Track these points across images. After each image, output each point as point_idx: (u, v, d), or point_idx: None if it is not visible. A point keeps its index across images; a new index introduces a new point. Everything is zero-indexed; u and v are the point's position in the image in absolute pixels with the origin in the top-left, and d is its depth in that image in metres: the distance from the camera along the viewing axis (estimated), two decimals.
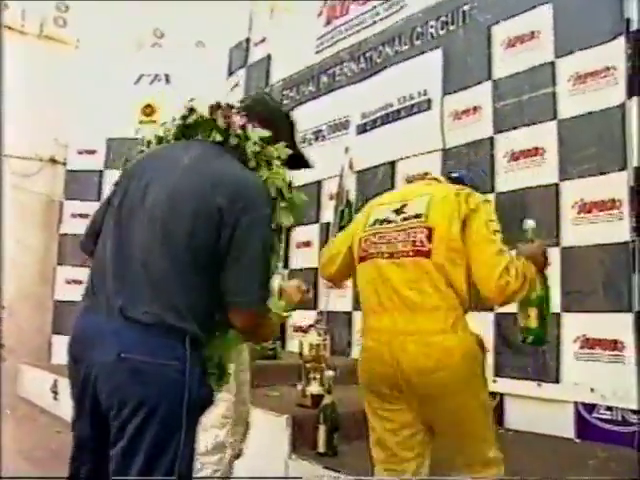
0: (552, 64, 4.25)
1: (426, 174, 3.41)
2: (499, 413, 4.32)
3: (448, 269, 2.02)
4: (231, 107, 1.88)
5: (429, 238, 2.06)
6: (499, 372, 4.36)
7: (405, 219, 2.14)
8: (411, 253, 2.07)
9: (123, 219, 1.72)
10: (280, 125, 1.95)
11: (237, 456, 3.01)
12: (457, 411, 2.05)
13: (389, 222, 2.18)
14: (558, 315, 4.05)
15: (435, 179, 2.42)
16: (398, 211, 2.17)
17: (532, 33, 4.38)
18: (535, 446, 3.81)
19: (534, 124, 4.32)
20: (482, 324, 4.35)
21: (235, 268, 1.64)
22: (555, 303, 4.07)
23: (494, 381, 4.34)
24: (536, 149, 4.29)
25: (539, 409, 4.15)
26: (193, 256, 1.63)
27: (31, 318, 7.70)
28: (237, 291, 1.65)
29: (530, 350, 4.19)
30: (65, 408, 5.74)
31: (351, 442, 3.46)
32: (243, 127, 1.81)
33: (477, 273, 2.01)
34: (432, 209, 2.11)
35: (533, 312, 2.22)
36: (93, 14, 8.17)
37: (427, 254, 2.05)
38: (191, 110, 1.87)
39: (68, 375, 1.80)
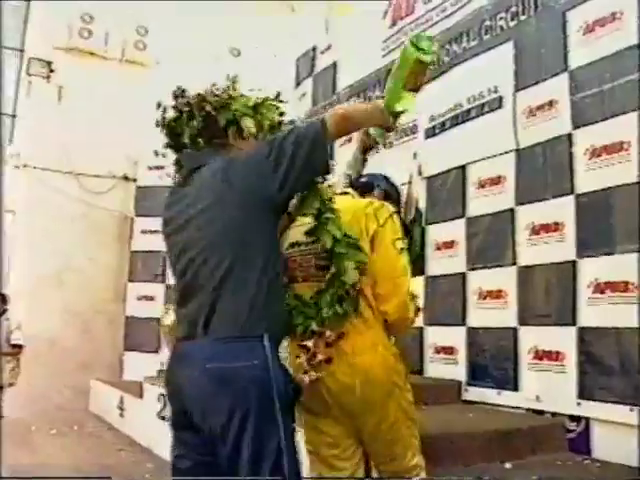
0: (638, 47, 3.78)
1: None
2: (585, 440, 3.87)
3: (364, 290, 2.07)
4: None
5: None
6: (584, 394, 3.89)
7: (314, 242, 2.09)
8: (323, 278, 2.07)
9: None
10: None
11: None
12: (382, 422, 2.10)
13: (299, 245, 2.15)
14: None
15: (346, 192, 2.40)
16: (309, 232, 2.09)
17: (613, 15, 3.92)
18: None
19: (617, 116, 3.85)
20: (563, 339, 4.01)
21: None
22: None
23: (578, 404, 3.89)
24: (621, 144, 3.82)
25: (633, 438, 3.64)
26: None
27: (104, 334, 7.77)
28: None
29: (620, 369, 3.72)
30: (130, 425, 5.71)
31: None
32: None
33: (381, 289, 2.09)
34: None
35: None
36: (171, 35, 8.27)
37: None
38: None
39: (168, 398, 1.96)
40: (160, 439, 4.92)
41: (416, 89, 2.06)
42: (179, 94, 2.10)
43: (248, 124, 2.01)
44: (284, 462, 1.70)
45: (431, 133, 5.37)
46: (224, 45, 9.05)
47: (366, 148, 2.49)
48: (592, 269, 3.93)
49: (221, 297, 1.78)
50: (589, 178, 4.01)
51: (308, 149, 1.81)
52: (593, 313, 3.92)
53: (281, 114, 2.13)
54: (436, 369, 4.94)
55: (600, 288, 3.89)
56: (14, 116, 8.96)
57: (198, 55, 8.07)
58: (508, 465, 3.50)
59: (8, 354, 6.36)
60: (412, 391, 2.22)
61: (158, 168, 7.69)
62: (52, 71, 8.21)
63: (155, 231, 7.43)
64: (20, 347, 6.74)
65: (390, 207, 2.21)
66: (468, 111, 5.00)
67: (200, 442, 1.80)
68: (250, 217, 1.83)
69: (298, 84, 7.56)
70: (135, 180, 7.98)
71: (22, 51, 9.16)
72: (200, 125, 2.02)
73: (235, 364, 1.71)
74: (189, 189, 1.92)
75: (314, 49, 7.37)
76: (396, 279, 2.09)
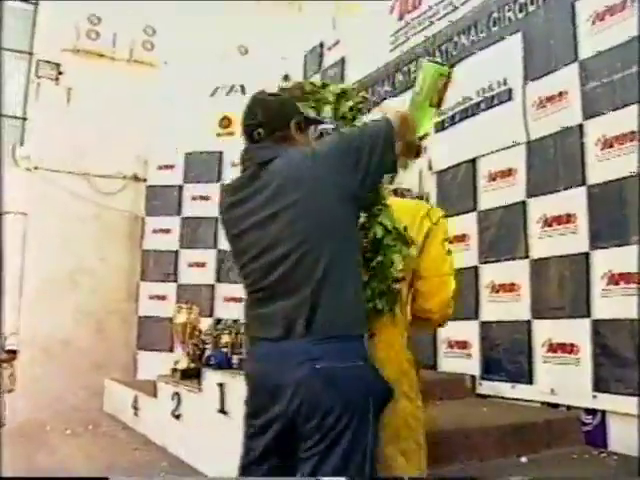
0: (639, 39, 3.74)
1: None
2: (602, 433, 3.84)
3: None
4: None
5: None
6: (599, 387, 3.87)
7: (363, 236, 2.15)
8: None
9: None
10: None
11: None
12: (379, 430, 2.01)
13: None
14: None
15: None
16: (360, 227, 2.17)
17: (624, 2, 3.88)
18: None
19: (628, 106, 3.81)
20: (577, 332, 3.98)
21: None
22: None
23: (594, 397, 3.87)
24: (632, 133, 3.78)
25: None
26: None
27: (118, 334, 7.79)
28: None
29: (635, 361, 3.69)
30: (145, 424, 5.72)
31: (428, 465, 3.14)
32: None
33: (426, 286, 2.23)
34: None
35: None
36: (179, 35, 8.28)
37: None
38: None
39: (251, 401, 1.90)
40: (175, 438, 4.94)
41: (439, 104, 2.14)
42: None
43: (312, 113, 2.07)
44: (366, 469, 1.70)
45: (440, 127, 5.33)
46: (231, 44, 9.04)
47: None
48: (605, 260, 3.91)
49: (322, 294, 1.73)
50: (601, 169, 3.97)
51: (383, 148, 1.84)
52: (607, 305, 3.89)
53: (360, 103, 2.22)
54: (450, 364, 4.92)
55: (614, 279, 3.86)
56: (24, 119, 9.02)
57: (206, 54, 8.08)
58: (524, 459, 3.48)
59: (4, 361, 6.38)
60: (422, 407, 2.18)
61: (168, 167, 7.73)
62: (61, 73, 8.23)
63: (167, 230, 7.52)
64: (15, 353, 6.76)
65: (440, 209, 2.33)
66: (477, 104, 4.97)
67: (283, 445, 1.77)
68: (343, 211, 1.82)
69: (306, 79, 7.52)
70: (145, 180, 7.99)
71: (31, 54, 9.21)
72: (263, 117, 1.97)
73: (345, 364, 1.71)
74: (261, 183, 1.84)
75: (322, 45, 7.35)
76: (443, 277, 2.17)
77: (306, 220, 1.76)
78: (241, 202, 1.88)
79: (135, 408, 5.93)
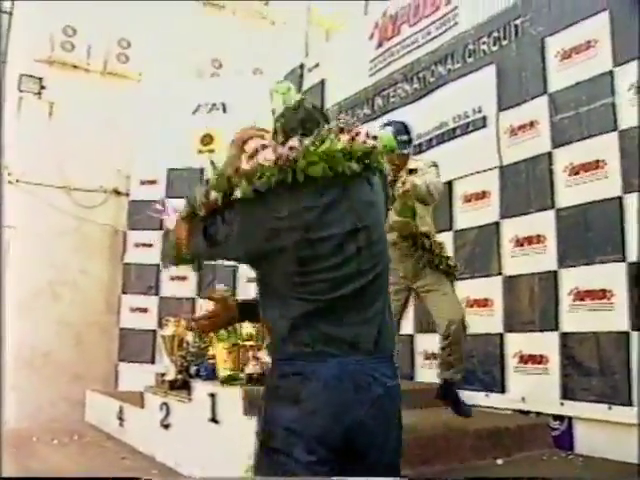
0: (611, 73, 4.11)
1: None
2: (568, 437, 4.16)
3: None
4: None
5: None
6: (566, 394, 4.19)
7: None
8: None
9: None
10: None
11: None
12: None
13: None
14: (627, 334, 3.88)
15: None
16: None
17: (588, 43, 4.26)
18: (606, 473, 3.62)
19: (594, 136, 4.18)
20: (546, 344, 4.30)
21: None
22: (623, 322, 3.91)
23: (561, 404, 4.19)
24: (597, 162, 4.14)
25: (612, 434, 3.94)
26: None
27: (98, 345, 7.89)
28: None
29: (599, 371, 4.03)
30: (130, 434, 5.85)
31: (415, 467, 3.41)
32: None
33: None
34: None
35: None
36: (154, 48, 8.44)
37: None
38: None
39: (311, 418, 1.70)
40: (163, 447, 5.10)
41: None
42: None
43: None
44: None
45: (417, 150, 5.62)
46: (205, 57, 9.26)
47: None
48: (572, 278, 4.24)
49: (385, 314, 1.82)
50: (568, 194, 4.32)
51: None
52: (574, 319, 4.22)
53: None
54: (427, 374, 5.19)
55: (580, 296, 4.20)
56: None
57: (180, 67, 8.27)
58: (499, 461, 3.78)
59: None
60: None
61: (150, 182, 7.88)
62: (43, 87, 8.34)
63: (149, 244, 7.66)
64: None
65: None
66: (454, 129, 5.29)
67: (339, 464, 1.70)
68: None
69: None
70: (128, 195, 8.13)
71: (4, 63, 9.26)
72: None
73: (398, 382, 1.80)
74: (343, 196, 1.78)
75: (302, 67, 7.61)
76: None
77: (379, 244, 1.83)
78: (324, 210, 1.75)
79: (120, 419, 6.05)
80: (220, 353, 4.54)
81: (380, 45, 6.33)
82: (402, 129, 3.98)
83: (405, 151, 3.95)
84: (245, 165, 1.75)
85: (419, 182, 3.58)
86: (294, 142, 1.75)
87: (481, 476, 3.49)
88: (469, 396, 4.77)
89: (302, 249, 1.72)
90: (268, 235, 1.73)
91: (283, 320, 1.73)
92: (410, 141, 4.06)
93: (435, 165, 3.96)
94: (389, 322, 1.83)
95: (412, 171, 3.86)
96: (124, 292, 7.66)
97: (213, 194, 1.77)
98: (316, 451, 1.65)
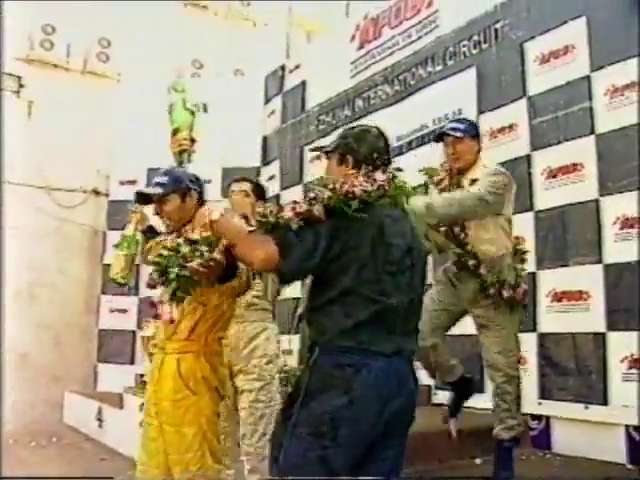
0: (588, 78, 4.17)
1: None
2: (546, 437, 4.21)
3: None
4: None
5: None
6: (544, 394, 4.25)
7: None
8: None
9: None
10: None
11: None
12: None
13: None
14: (603, 335, 3.94)
15: None
16: None
17: (566, 48, 4.32)
18: (584, 472, 3.67)
19: (572, 140, 4.24)
20: (525, 345, 4.34)
21: None
22: (600, 323, 3.98)
23: (539, 403, 4.24)
24: (574, 165, 4.20)
25: (588, 433, 4.01)
26: None
27: (76, 346, 7.84)
28: None
29: (576, 371, 4.09)
30: (110, 435, 5.82)
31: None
32: None
33: None
34: None
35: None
36: (134, 48, 8.41)
37: None
38: None
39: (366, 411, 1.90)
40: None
41: None
42: None
43: None
44: None
45: (398, 152, 5.67)
46: (186, 58, 9.24)
47: None
48: (550, 280, 4.30)
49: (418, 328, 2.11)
50: (546, 196, 4.38)
51: None
52: (551, 320, 4.28)
53: None
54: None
55: (557, 297, 4.26)
56: None
57: (161, 67, 8.23)
58: (478, 461, 3.82)
59: None
60: None
61: (130, 182, 7.84)
62: (22, 86, 8.27)
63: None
64: None
65: None
66: (434, 131, 5.32)
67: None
68: None
69: (267, 101, 7.79)
70: (107, 195, 8.08)
71: None
72: None
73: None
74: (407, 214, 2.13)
75: (283, 68, 7.62)
76: None
77: (422, 264, 2.13)
78: (394, 220, 2.01)
79: (99, 420, 6.02)
80: None
81: (361, 47, 6.36)
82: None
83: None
84: (356, 189, 1.93)
85: (419, 202, 3.08)
86: (385, 176, 2.01)
87: (459, 476, 3.52)
88: (447, 396, 4.83)
89: (377, 245, 1.93)
90: (352, 234, 1.93)
91: (348, 319, 1.90)
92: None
93: (498, 173, 3.34)
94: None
95: (474, 181, 3.37)
96: (103, 292, 7.62)
97: (317, 209, 1.90)
98: (360, 437, 1.87)
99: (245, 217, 2.45)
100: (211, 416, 2.54)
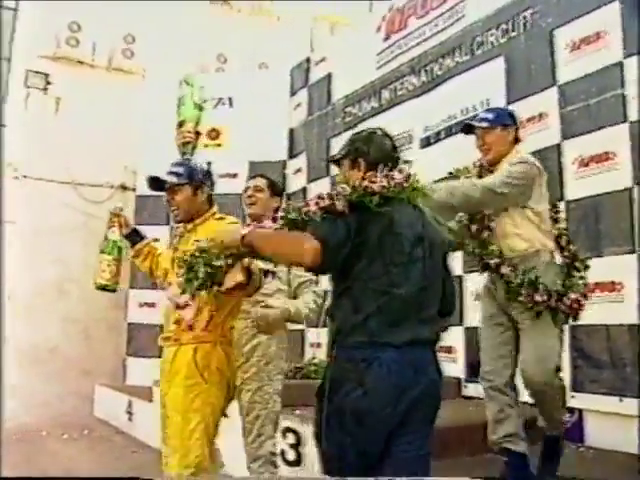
0: (620, 65, 4.08)
1: None
2: (579, 430, 4.14)
3: None
4: None
5: None
6: (577, 387, 4.17)
7: None
8: None
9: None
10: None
11: None
12: None
13: None
14: (638, 327, 3.86)
15: None
16: None
17: (598, 34, 4.23)
18: (618, 466, 3.61)
19: (603, 128, 4.15)
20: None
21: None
22: (634, 314, 3.90)
23: (572, 396, 4.17)
24: (607, 154, 4.12)
25: (622, 426, 3.93)
26: None
27: (105, 340, 7.92)
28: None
29: (609, 364, 4.02)
30: (139, 428, 5.87)
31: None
32: None
33: None
34: None
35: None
36: (158, 44, 8.45)
37: None
38: None
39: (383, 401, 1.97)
40: None
41: None
42: None
43: None
44: None
45: (425, 143, 5.63)
46: (210, 53, 9.26)
47: None
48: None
49: (437, 318, 2.14)
50: (578, 186, 4.30)
51: None
52: (584, 312, 4.19)
53: None
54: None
55: (590, 288, 4.16)
56: (3, 125, 9.10)
57: (185, 62, 8.26)
58: None
59: None
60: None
61: None
62: (49, 83, 8.36)
63: (156, 239, 7.62)
64: None
65: None
66: (462, 122, 5.25)
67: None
68: None
69: (293, 94, 7.77)
70: (134, 190, 8.14)
71: (9, 60, 9.29)
72: None
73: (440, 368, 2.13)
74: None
75: (308, 60, 7.59)
76: None
77: (438, 255, 2.17)
78: (401, 211, 2.06)
79: (129, 413, 6.08)
80: None
81: (387, 38, 6.31)
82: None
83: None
84: (375, 185, 2.01)
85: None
86: (402, 175, 2.08)
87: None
88: (479, 389, 4.78)
89: (385, 238, 2.00)
90: (368, 228, 2.00)
91: (357, 314, 1.98)
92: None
93: (520, 162, 3.10)
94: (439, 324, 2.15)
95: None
96: (132, 287, 7.66)
97: (341, 203, 1.98)
98: (378, 427, 1.95)
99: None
100: (216, 408, 2.64)
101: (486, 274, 3.25)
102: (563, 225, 3.45)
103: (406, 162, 2.19)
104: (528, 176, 3.05)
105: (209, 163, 7.28)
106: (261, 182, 3.38)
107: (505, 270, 3.06)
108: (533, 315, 3.01)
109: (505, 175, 3.01)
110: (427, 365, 2.03)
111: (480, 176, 3.25)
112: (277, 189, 3.44)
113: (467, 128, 3.42)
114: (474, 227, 3.18)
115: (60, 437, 5.91)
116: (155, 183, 2.82)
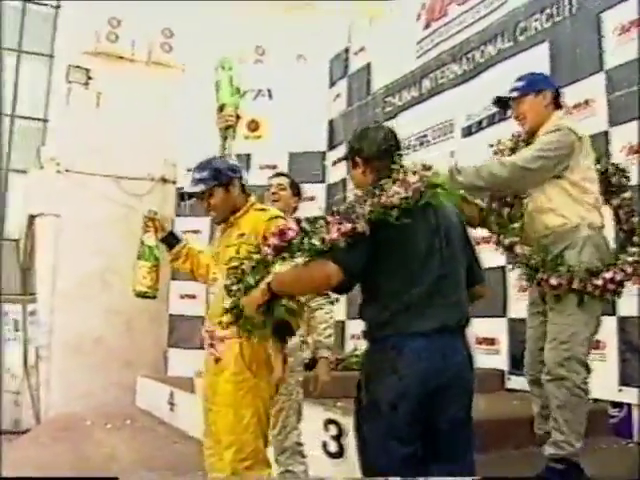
0: None
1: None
2: (628, 425, 4.03)
3: None
4: None
5: None
6: (625, 380, 4.06)
7: None
8: None
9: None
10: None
11: None
12: None
13: None
14: None
15: None
16: None
17: None
18: None
19: None
20: (604, 330, 4.15)
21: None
22: None
23: (619, 390, 4.06)
24: None
25: None
26: None
27: (147, 332, 8.02)
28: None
29: None
30: (181, 419, 5.93)
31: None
32: None
33: None
34: None
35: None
36: (196, 37, 8.49)
37: None
38: None
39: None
40: None
41: None
42: None
43: None
44: None
45: (467, 132, 5.53)
46: (248, 44, 9.27)
47: None
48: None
49: (466, 301, 2.22)
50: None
51: None
52: (633, 303, 4.07)
53: None
54: (478, 359, 5.10)
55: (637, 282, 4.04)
56: (46, 120, 9.28)
57: (224, 54, 8.27)
58: None
59: None
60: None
61: None
62: (90, 78, 8.47)
63: (197, 231, 7.71)
64: None
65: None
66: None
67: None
68: None
69: (332, 85, 7.73)
70: (174, 182, 8.20)
71: (52, 57, 9.46)
72: None
73: (471, 352, 2.22)
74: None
75: (347, 51, 7.53)
76: None
77: (458, 242, 2.23)
78: (416, 204, 2.06)
79: (171, 404, 6.15)
80: None
81: (427, 26, 6.21)
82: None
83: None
84: (394, 199, 2.00)
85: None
86: (416, 177, 2.06)
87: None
88: (522, 382, 4.69)
89: (405, 239, 2.06)
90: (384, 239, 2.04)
91: (384, 312, 2.08)
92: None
93: (553, 131, 2.87)
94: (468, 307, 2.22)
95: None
96: (173, 279, 7.71)
97: (361, 225, 1.98)
98: (414, 411, 2.02)
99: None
100: (267, 400, 2.67)
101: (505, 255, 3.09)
102: (628, 195, 3.14)
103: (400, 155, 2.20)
104: (564, 145, 2.81)
105: (248, 155, 7.35)
106: (284, 181, 3.52)
107: (520, 250, 2.83)
108: (556, 299, 2.76)
109: (536, 148, 2.80)
110: (456, 350, 2.11)
111: (514, 149, 3.07)
112: (297, 189, 3.57)
113: (500, 102, 3.27)
114: (494, 204, 2.91)
115: (104, 427, 6.00)
116: (189, 197, 2.83)
